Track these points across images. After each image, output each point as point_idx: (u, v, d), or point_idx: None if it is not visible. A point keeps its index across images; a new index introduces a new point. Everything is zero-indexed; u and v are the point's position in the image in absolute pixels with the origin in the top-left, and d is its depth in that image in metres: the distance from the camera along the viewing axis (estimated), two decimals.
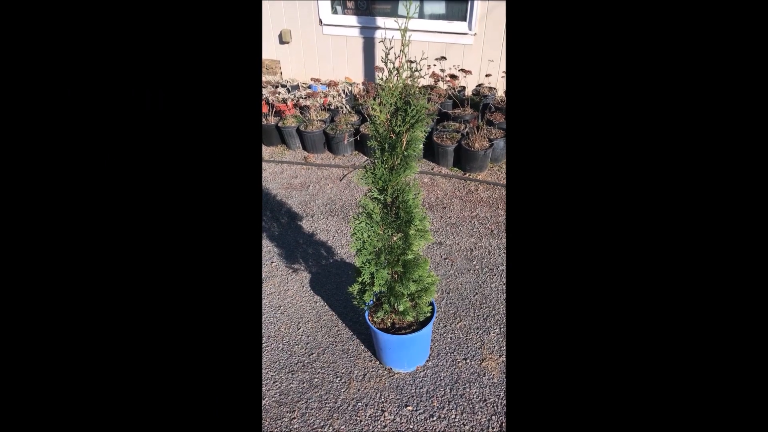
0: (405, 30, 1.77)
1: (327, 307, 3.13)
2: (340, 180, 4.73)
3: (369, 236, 2.16)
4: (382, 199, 2.08)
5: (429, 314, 2.46)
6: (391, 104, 1.85)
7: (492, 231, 3.81)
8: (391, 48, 1.78)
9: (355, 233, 2.17)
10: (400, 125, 1.86)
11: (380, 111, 1.83)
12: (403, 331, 2.43)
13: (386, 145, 1.92)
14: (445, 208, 4.17)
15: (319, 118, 5.33)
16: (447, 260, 3.53)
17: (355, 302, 2.38)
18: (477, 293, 3.17)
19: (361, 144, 5.21)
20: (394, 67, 1.83)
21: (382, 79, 1.84)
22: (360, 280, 2.26)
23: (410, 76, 1.83)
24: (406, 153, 1.96)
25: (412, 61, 1.85)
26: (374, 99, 1.80)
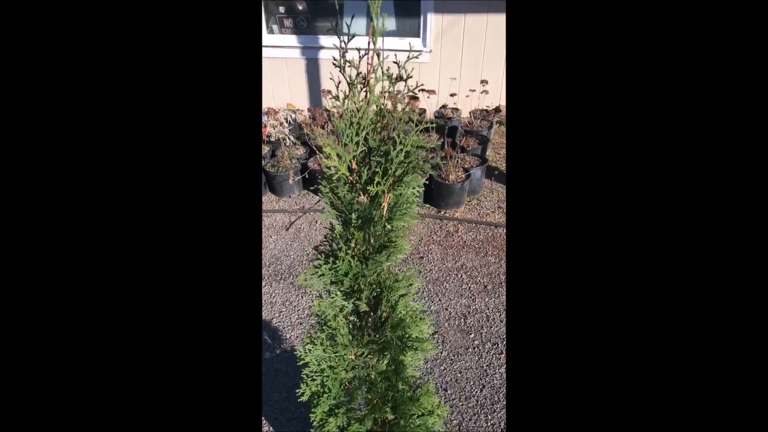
0: (376, 30, 0.93)
1: None
2: (286, 229, 3.78)
3: (332, 367, 1.25)
4: (350, 306, 1.18)
5: None
6: (357, 143, 0.98)
7: (485, 287, 3.01)
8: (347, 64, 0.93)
9: (307, 365, 1.24)
10: (379, 181, 0.99)
11: (338, 158, 0.96)
12: None
13: (353, 218, 1.04)
14: (422, 258, 3.33)
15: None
16: (436, 335, 2.66)
17: None
18: (484, 385, 2.31)
19: (309, 181, 4.31)
20: (357, 80, 0.98)
21: (337, 98, 0.98)
22: None
23: (390, 91, 0.98)
24: (389, 226, 1.09)
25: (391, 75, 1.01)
26: (326, 140, 0.93)
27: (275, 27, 5.75)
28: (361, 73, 0.95)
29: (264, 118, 5.28)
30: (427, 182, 3.86)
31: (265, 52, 5.70)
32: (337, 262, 1.08)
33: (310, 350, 1.21)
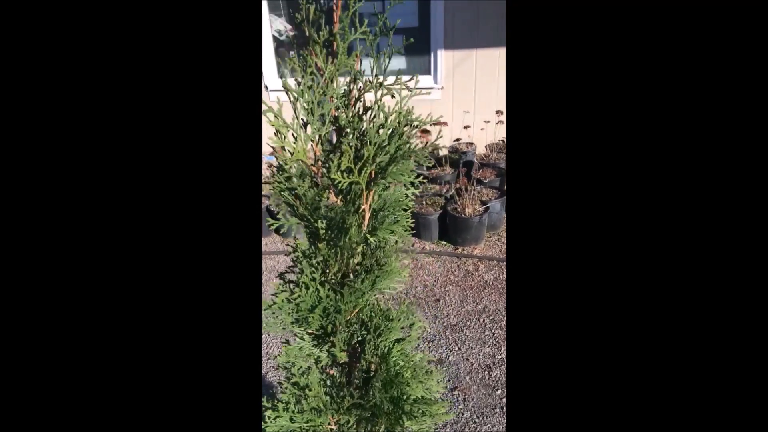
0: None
1: None
2: None
3: None
4: (326, 357, 0.85)
5: None
6: (322, 119, 0.70)
7: None
8: None
9: None
10: (350, 167, 0.70)
11: (293, 140, 0.68)
12: None
13: (320, 227, 0.74)
14: (438, 300, 2.96)
15: (262, 193, 4.20)
16: (456, 391, 2.24)
17: None
18: None
19: None
20: (322, 35, 0.72)
21: (292, 60, 0.72)
22: None
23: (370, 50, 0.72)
24: (373, 240, 0.78)
25: None
26: (275, 112, 0.65)
27: (287, 71, 5.80)
28: (323, 19, 0.69)
29: (272, 159, 5.17)
30: (441, 216, 3.56)
31: (277, 96, 5.73)
32: (298, 291, 0.76)
33: (269, 418, 0.87)
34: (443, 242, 3.62)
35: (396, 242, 0.84)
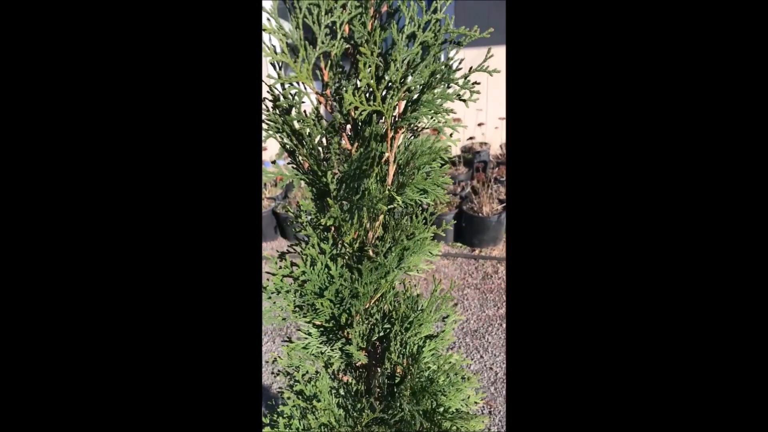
0: None
1: None
2: None
3: None
4: (339, 359, 0.66)
5: None
6: (330, 30, 0.52)
7: None
8: None
9: None
10: (369, 86, 0.51)
11: (290, 53, 0.49)
12: None
13: (329, 181, 0.55)
14: (456, 304, 2.74)
15: (267, 195, 4.05)
16: (483, 404, 2.02)
17: None
18: None
19: None
20: None
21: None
22: None
23: None
24: (399, 199, 0.58)
25: None
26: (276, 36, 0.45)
27: None
28: None
29: (282, 163, 5.03)
30: (456, 216, 3.36)
31: None
32: (300, 266, 0.57)
33: None
34: (459, 244, 3.41)
35: (428, 208, 0.65)
